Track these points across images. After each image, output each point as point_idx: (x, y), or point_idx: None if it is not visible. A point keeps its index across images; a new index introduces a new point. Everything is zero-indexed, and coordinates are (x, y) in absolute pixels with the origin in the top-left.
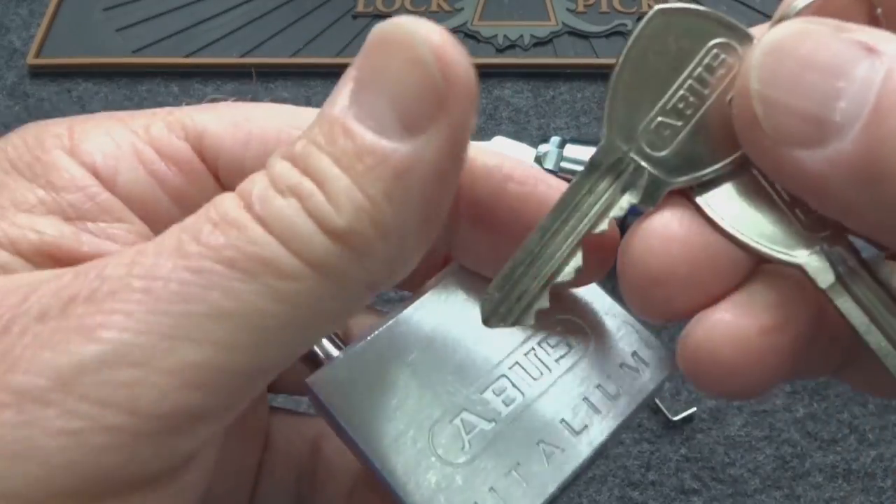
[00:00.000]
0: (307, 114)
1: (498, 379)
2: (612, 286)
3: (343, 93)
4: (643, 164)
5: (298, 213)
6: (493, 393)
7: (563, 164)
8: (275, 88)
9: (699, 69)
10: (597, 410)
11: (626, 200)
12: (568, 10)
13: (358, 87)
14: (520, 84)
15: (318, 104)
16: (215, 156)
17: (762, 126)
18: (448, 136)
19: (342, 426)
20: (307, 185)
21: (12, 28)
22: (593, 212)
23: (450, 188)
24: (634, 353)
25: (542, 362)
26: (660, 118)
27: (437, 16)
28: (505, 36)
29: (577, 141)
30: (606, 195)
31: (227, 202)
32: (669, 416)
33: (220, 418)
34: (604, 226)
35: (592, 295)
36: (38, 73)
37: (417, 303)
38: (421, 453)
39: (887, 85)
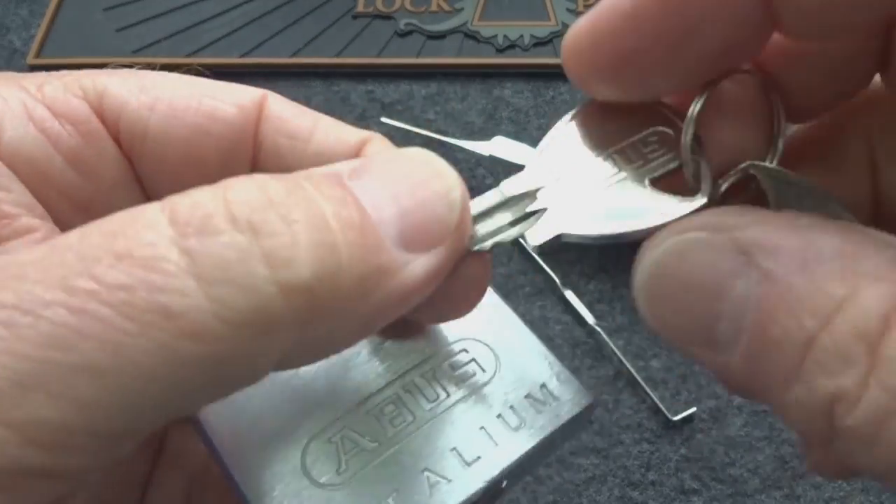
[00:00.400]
0: (222, 86)
1: (389, 399)
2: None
3: (354, 168)
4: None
5: (257, 259)
6: (381, 413)
7: None
8: (275, 88)
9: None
10: (494, 442)
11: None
12: (568, 10)
13: (378, 180)
14: (520, 84)
15: (318, 104)
16: (116, 117)
17: (660, 334)
18: (433, 267)
19: (210, 441)
20: (283, 239)
21: (12, 28)
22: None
23: (404, 308)
24: (543, 386)
25: (440, 385)
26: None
27: (436, 16)
28: (505, 36)
29: None
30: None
31: (146, 221)
32: (669, 416)
33: (73, 478)
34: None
35: (505, 320)
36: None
37: None
38: (291, 472)
39: (763, 304)
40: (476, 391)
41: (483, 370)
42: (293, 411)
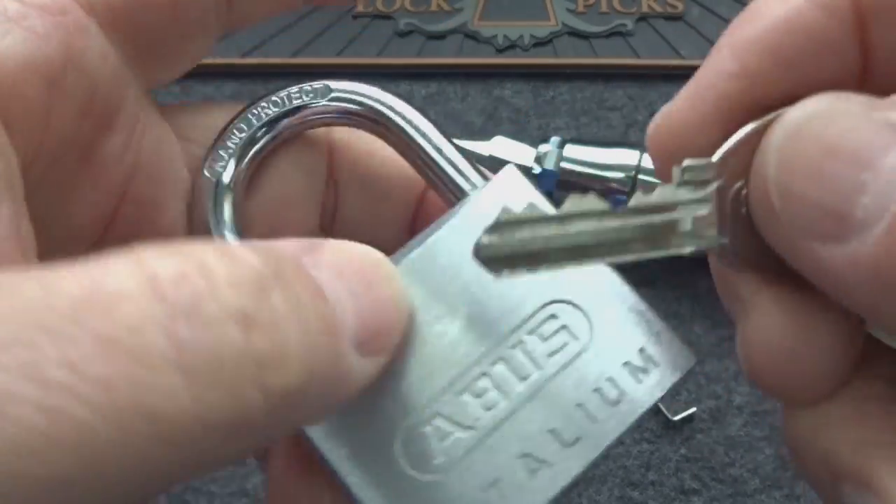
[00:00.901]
0: None
1: (478, 378)
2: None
3: (317, 253)
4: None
5: (240, 353)
6: (472, 395)
7: (563, 165)
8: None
9: None
10: (593, 419)
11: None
12: (568, 10)
13: (339, 273)
14: (520, 84)
15: None
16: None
17: (778, 215)
18: (374, 371)
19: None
20: (264, 312)
21: None
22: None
23: (331, 408)
24: (642, 350)
25: (530, 358)
26: None
27: (436, 16)
28: (505, 36)
29: (577, 141)
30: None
31: (126, 291)
32: (669, 416)
33: None
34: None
35: (597, 274)
36: None
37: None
38: (385, 466)
39: None
40: (570, 364)
41: (576, 338)
42: (384, 402)
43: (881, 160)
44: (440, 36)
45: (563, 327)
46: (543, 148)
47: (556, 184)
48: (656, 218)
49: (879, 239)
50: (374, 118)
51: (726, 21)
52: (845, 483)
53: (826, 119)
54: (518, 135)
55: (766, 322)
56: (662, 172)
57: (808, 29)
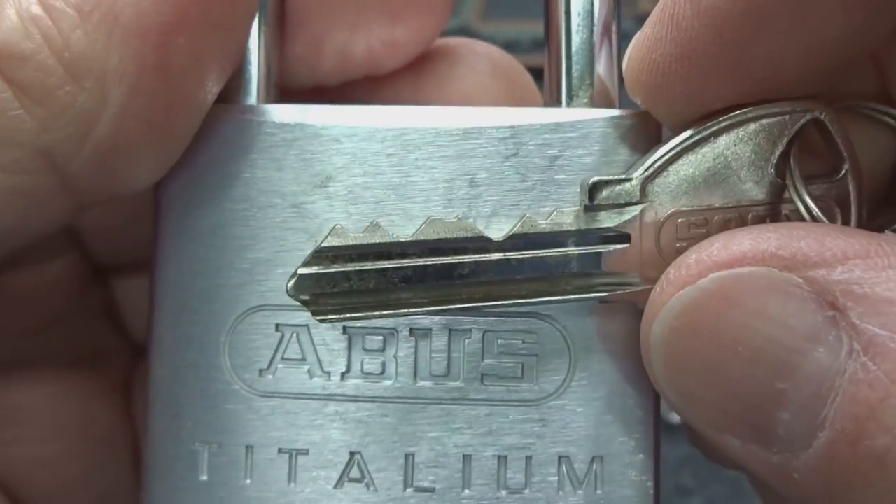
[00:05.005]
0: None
1: (385, 330)
2: None
3: None
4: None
5: None
6: (361, 343)
7: None
8: None
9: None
10: (466, 485)
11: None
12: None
13: None
14: None
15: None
16: None
17: (679, 412)
18: None
19: None
20: None
21: None
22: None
23: (190, 21)
24: (597, 460)
25: (463, 361)
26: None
27: None
28: (504, 36)
29: None
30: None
31: None
32: (668, 417)
33: None
34: None
35: (612, 343)
36: None
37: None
38: (210, 334)
39: (859, 392)
40: (502, 404)
41: (535, 380)
42: (269, 254)
43: (805, 362)
44: (440, 36)
45: (533, 357)
46: None
47: None
48: (541, 253)
49: (817, 458)
50: None
51: None
52: None
53: (724, 300)
54: None
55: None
56: (650, 110)
57: None
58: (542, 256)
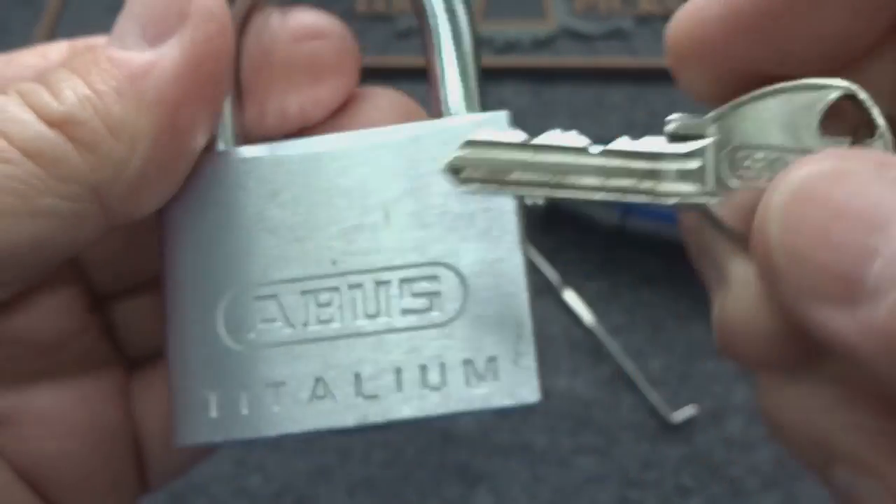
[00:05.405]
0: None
1: (330, 290)
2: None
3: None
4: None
5: (17, 105)
6: (315, 302)
7: None
8: None
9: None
10: (400, 388)
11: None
12: (567, 11)
13: (118, 19)
14: (519, 85)
15: None
16: None
17: (783, 277)
18: (189, 48)
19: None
20: (34, 85)
21: (14, 30)
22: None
23: (191, 97)
24: (492, 359)
25: (387, 302)
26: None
27: None
28: (504, 36)
29: None
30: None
31: None
32: (668, 417)
33: None
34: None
35: (509, 266)
36: None
37: (351, 135)
38: (204, 311)
39: None
40: (416, 329)
41: (441, 310)
42: (246, 257)
43: (893, 224)
44: None
45: (437, 294)
46: None
47: None
48: (640, 164)
49: (891, 309)
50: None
51: None
52: (838, 464)
53: (833, 179)
54: None
55: (744, 293)
56: (684, 80)
57: None
58: (630, 167)
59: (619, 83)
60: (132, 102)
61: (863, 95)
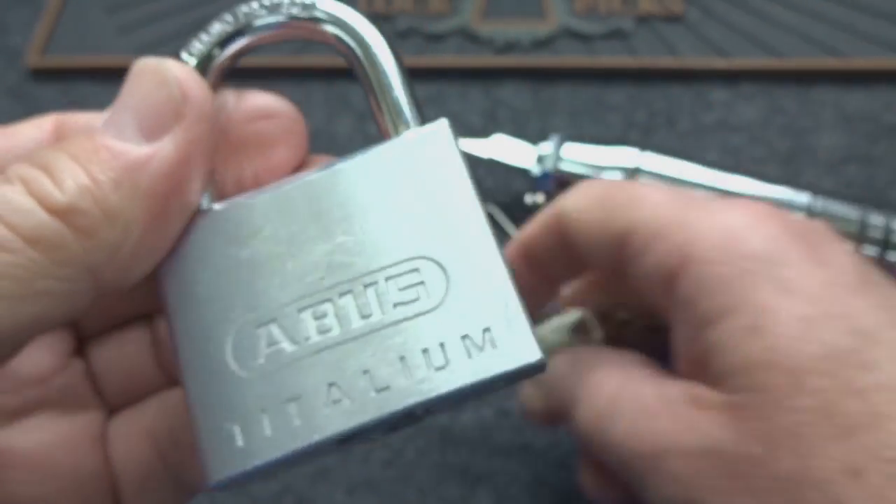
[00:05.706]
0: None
1: (324, 302)
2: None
3: (104, 115)
4: None
5: (21, 193)
6: (312, 315)
7: (562, 165)
8: (275, 88)
9: None
10: (409, 376)
11: None
12: (567, 11)
13: (113, 108)
14: (519, 85)
15: (318, 104)
16: None
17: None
18: (182, 146)
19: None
20: (36, 172)
21: (13, 29)
22: None
23: (182, 187)
24: (487, 330)
25: (378, 301)
26: None
27: (436, 16)
28: (504, 36)
29: (576, 139)
30: None
31: None
32: None
33: None
34: None
35: (479, 246)
36: (39, 74)
37: (325, 172)
38: (214, 346)
39: None
40: (412, 318)
41: (429, 297)
42: (238, 292)
43: None
44: (440, 37)
45: (421, 283)
46: (543, 147)
47: (554, 182)
48: None
49: None
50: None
51: (726, 22)
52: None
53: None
54: (518, 135)
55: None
56: None
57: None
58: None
59: (618, 83)
60: (128, 192)
61: (587, 317)
